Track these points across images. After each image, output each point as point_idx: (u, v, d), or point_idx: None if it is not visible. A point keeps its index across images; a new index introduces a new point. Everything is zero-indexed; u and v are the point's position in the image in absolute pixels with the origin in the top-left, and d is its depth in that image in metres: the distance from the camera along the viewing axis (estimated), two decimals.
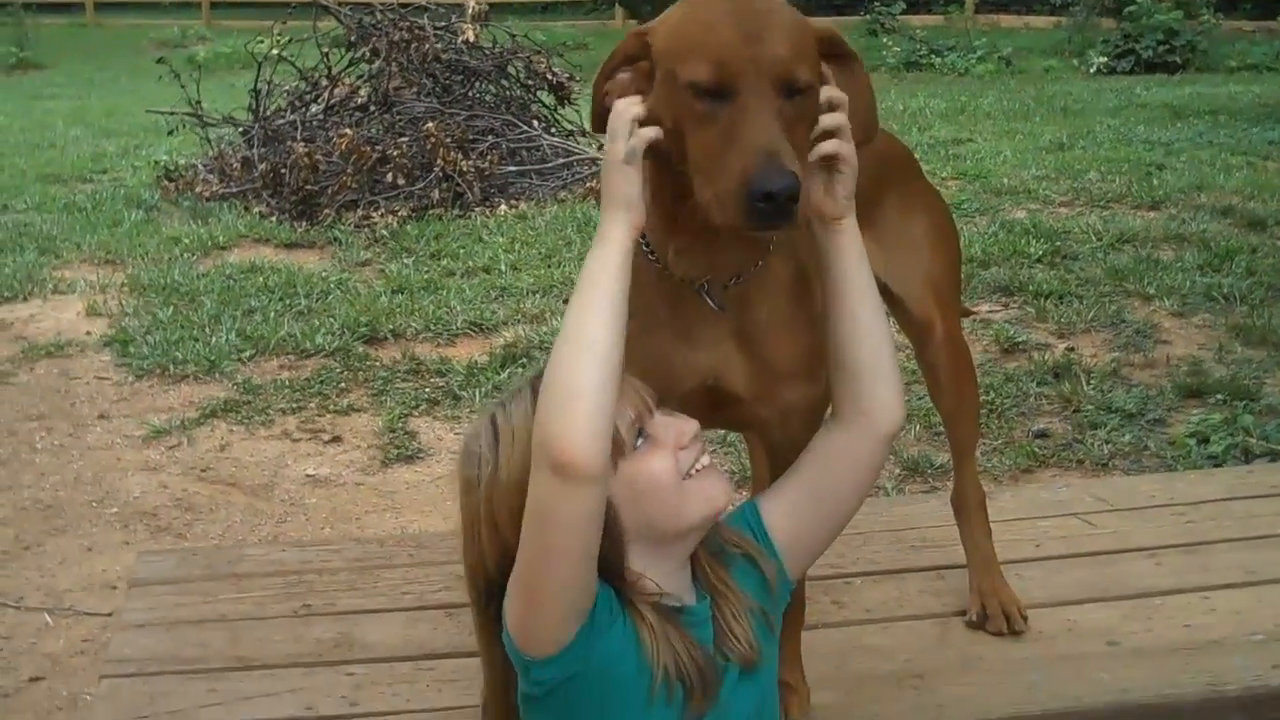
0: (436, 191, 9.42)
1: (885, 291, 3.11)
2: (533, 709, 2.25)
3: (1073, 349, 6.68)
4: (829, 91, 2.30)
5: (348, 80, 10.66)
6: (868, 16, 21.63)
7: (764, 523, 2.39)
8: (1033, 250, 8.02)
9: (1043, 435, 5.79)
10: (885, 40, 19.24)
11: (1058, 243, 8.19)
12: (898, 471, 5.50)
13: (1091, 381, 6.23)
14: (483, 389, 6.23)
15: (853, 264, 2.34)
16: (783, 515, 2.38)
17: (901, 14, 21.57)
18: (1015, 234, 8.37)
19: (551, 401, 2.09)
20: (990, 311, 7.17)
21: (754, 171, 2.11)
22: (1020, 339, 6.75)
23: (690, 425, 2.28)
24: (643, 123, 2.21)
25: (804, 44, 2.24)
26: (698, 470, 2.25)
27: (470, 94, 10.65)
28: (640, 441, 2.24)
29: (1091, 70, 17.19)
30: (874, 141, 3.22)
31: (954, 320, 3.19)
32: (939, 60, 18.09)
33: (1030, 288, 7.42)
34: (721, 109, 2.16)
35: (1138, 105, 13.68)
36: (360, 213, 9.18)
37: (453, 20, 10.98)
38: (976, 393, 3.37)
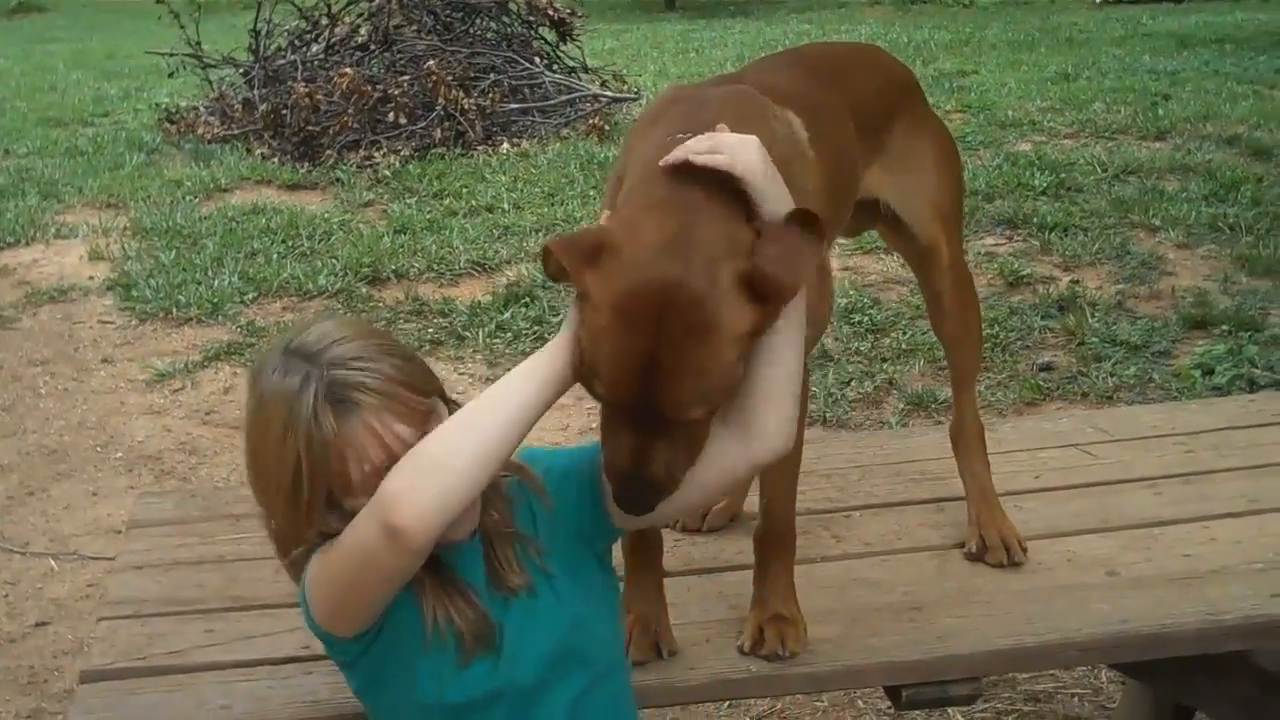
0: (438, 130, 9.39)
1: (891, 217, 3.11)
2: (347, 672, 2.35)
3: (1077, 281, 6.66)
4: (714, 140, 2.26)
5: (348, 19, 10.62)
6: None
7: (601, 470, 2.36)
8: (1037, 183, 7.98)
9: (1047, 368, 5.79)
10: None
11: (1062, 175, 8.14)
12: (901, 406, 5.51)
13: (1096, 314, 6.22)
14: (486, 329, 6.23)
15: None
16: None
17: None
18: (1019, 166, 8.32)
19: (417, 461, 2.11)
20: (994, 245, 7.15)
21: (617, 492, 2.24)
22: (1024, 272, 6.73)
23: None
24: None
25: (707, 379, 2.16)
26: None
27: (471, 31, 10.61)
28: None
29: (1097, 0, 17.08)
30: (882, 63, 3.24)
31: (958, 246, 3.19)
32: None
33: (1034, 220, 7.39)
34: (612, 410, 2.21)
35: (1144, 35, 13.60)
36: (362, 153, 9.15)
37: None
38: (980, 320, 3.36)
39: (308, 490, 2.16)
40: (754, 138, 2.26)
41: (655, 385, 2.14)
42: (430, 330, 6.30)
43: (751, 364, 2.26)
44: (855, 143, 2.87)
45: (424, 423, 2.18)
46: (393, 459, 2.13)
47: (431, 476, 2.09)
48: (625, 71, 11.61)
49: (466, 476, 2.10)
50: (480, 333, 6.19)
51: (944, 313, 3.19)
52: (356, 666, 2.30)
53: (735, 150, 2.22)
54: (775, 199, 2.24)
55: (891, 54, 3.44)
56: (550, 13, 10.71)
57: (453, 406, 2.26)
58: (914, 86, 3.24)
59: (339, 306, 6.61)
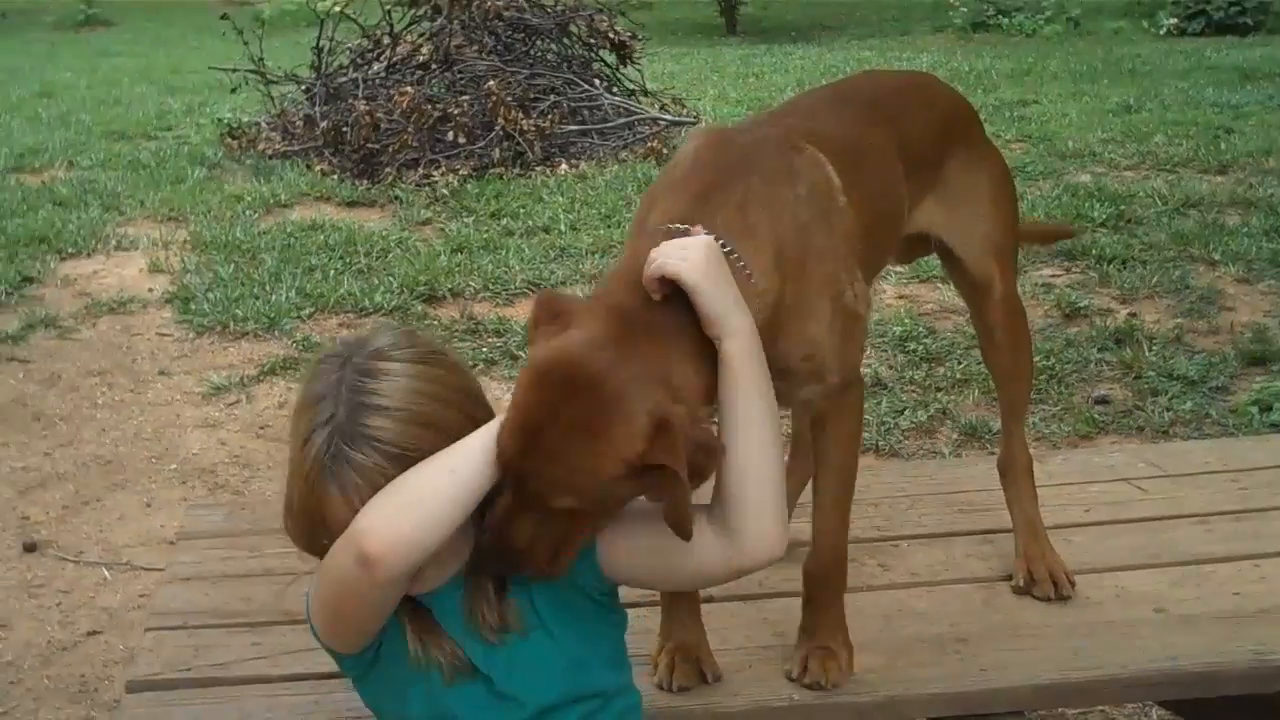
0: (497, 150, 9.42)
1: (945, 251, 3.11)
2: (358, 686, 2.40)
3: (1135, 315, 6.62)
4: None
5: (410, 38, 10.65)
6: None
7: None
8: (1096, 214, 7.94)
9: (1103, 402, 5.75)
10: (953, 0, 19.07)
11: (1122, 207, 8.10)
12: (955, 436, 5.49)
13: (1153, 348, 6.17)
14: None
15: (733, 384, 2.27)
16: (621, 536, 2.35)
17: None
18: (1079, 197, 8.29)
19: (392, 494, 2.14)
20: (1052, 276, 7.12)
21: (479, 552, 2.25)
22: (1082, 304, 6.70)
23: None
24: None
25: (582, 476, 2.17)
26: None
27: (531, 52, 10.64)
28: None
29: (1161, 31, 16.98)
30: (940, 96, 3.23)
31: (1012, 280, 3.19)
32: (1006, 21, 17.91)
33: (1093, 252, 7.35)
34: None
35: (1207, 67, 13.49)
36: (421, 171, 9.19)
37: None
38: (1031, 355, 3.36)
39: (299, 506, 2.23)
40: (703, 241, 2.28)
41: (532, 458, 2.16)
42: (485, 350, 6.32)
43: (723, 473, 2.27)
44: (900, 184, 2.87)
45: None
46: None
47: (404, 507, 2.13)
48: (685, 95, 11.62)
49: (444, 513, 2.15)
50: None
51: (996, 346, 3.19)
52: (364, 681, 2.36)
53: (680, 268, 2.24)
54: (713, 296, 2.24)
55: (948, 84, 3.43)
56: (611, 35, 10.72)
57: None
58: (971, 118, 3.23)
59: (395, 324, 6.62)
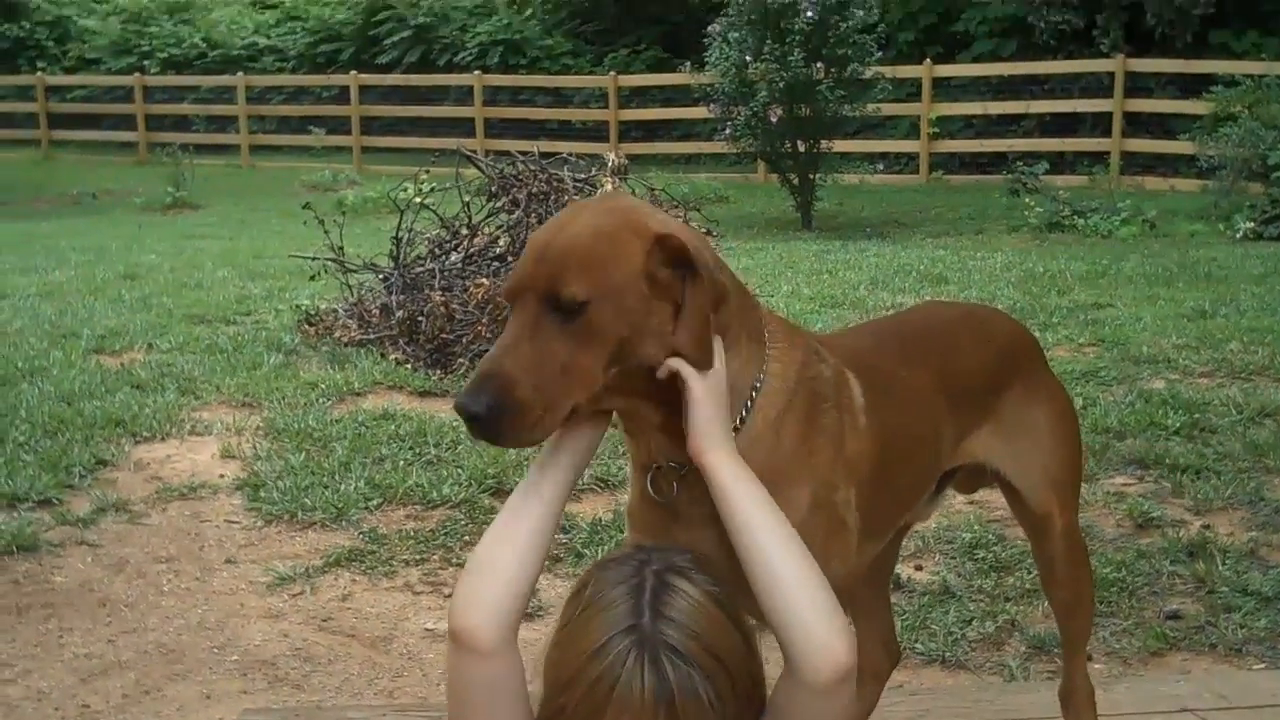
0: None
1: (1004, 483, 3.09)
2: None
3: (1209, 526, 6.52)
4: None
5: (487, 229, 10.81)
6: (1010, 176, 21.63)
7: None
8: (1170, 422, 7.87)
9: (1175, 617, 5.64)
10: (1027, 200, 19.20)
11: (1196, 415, 8.02)
12: (1023, 649, 5.39)
13: (1227, 561, 6.07)
14: (605, 546, 6.21)
15: (733, 505, 2.28)
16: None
17: (1044, 174, 21.54)
18: (1153, 404, 8.22)
19: (468, 569, 2.29)
20: (1125, 485, 7.04)
21: (462, 390, 2.25)
22: (1154, 514, 6.61)
23: None
24: None
25: (596, 259, 2.20)
26: None
27: None
28: None
29: (1238, 235, 16.97)
30: (998, 330, 3.22)
31: (1072, 515, 3.17)
32: (1082, 221, 17.97)
33: (1166, 461, 7.27)
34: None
35: None
36: None
37: (593, 172, 11.13)
38: (1092, 588, 3.33)
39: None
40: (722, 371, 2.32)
41: (549, 250, 2.21)
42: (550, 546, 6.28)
43: (758, 594, 2.26)
44: (938, 423, 2.85)
45: None
46: None
47: (479, 576, 2.27)
48: (758, 290, 11.69)
49: (508, 571, 2.28)
50: (600, 551, 6.16)
51: (1056, 580, 3.17)
52: None
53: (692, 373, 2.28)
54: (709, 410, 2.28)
55: (1008, 316, 3.42)
56: None
57: None
58: (1031, 351, 3.23)
59: (461, 517, 6.65)
